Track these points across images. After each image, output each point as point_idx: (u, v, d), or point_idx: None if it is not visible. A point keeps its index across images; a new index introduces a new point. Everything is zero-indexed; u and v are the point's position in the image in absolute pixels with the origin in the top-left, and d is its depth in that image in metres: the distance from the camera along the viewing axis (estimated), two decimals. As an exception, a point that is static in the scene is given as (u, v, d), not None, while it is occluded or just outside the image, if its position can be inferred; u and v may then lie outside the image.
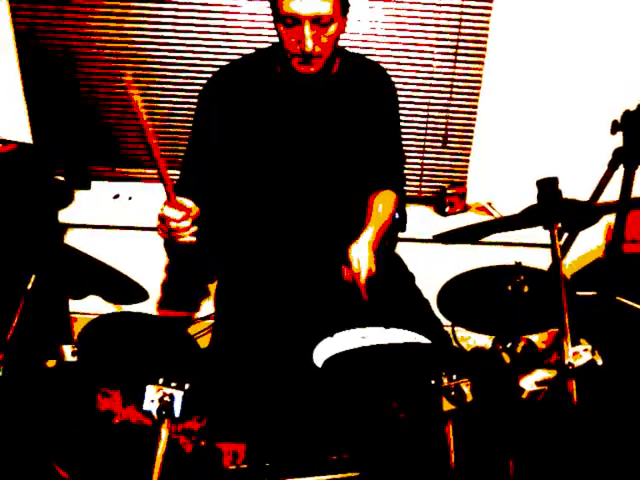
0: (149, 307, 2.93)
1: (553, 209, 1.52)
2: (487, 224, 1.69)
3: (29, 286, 1.44)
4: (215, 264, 2.17)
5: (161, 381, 1.32)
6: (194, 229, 1.65)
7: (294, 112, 1.92)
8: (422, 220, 2.87)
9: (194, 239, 1.66)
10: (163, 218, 1.62)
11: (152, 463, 1.31)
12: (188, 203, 1.63)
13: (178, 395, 1.31)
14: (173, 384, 1.32)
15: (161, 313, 2.98)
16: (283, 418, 1.46)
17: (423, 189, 2.99)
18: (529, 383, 1.49)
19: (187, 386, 1.32)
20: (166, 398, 1.30)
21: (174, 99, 2.82)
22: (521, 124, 2.82)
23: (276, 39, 1.79)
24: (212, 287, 2.92)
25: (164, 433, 1.30)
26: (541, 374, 1.49)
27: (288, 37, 1.72)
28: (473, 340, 2.21)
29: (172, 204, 1.59)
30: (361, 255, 1.79)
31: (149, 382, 1.34)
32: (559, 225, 1.52)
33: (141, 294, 1.53)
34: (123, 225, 2.83)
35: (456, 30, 2.70)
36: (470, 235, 1.75)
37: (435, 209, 2.95)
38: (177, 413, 1.31)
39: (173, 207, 1.59)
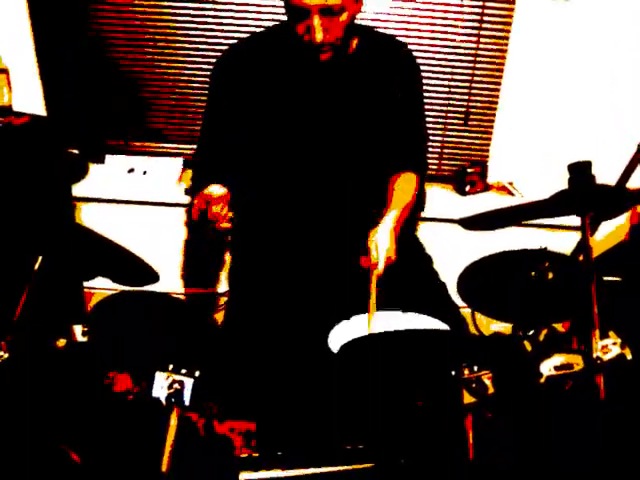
0: (162, 283, 2.91)
1: (586, 196, 1.45)
2: (514, 211, 1.61)
3: (36, 266, 1.41)
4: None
5: (171, 367, 1.29)
6: (230, 214, 1.70)
7: (309, 90, 1.87)
8: (441, 199, 2.81)
9: (230, 225, 1.70)
10: (203, 210, 1.68)
11: (163, 447, 1.29)
12: (220, 190, 1.70)
13: (188, 382, 1.28)
14: (183, 371, 1.29)
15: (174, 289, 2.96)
16: (296, 405, 1.43)
17: (443, 167, 2.94)
18: (547, 368, 1.44)
19: (197, 373, 1.29)
20: (176, 385, 1.27)
21: (196, 72, 2.78)
22: (545, 103, 2.74)
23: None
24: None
25: (173, 421, 1.27)
26: (559, 359, 1.44)
27: (298, 28, 1.67)
28: (497, 326, 2.17)
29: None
30: (381, 243, 1.71)
31: (159, 364, 1.31)
32: (592, 214, 1.44)
33: (151, 276, 1.50)
34: (137, 200, 2.81)
35: (480, 3, 2.63)
36: (495, 222, 1.68)
37: (455, 188, 2.89)
38: (187, 401, 1.28)
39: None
